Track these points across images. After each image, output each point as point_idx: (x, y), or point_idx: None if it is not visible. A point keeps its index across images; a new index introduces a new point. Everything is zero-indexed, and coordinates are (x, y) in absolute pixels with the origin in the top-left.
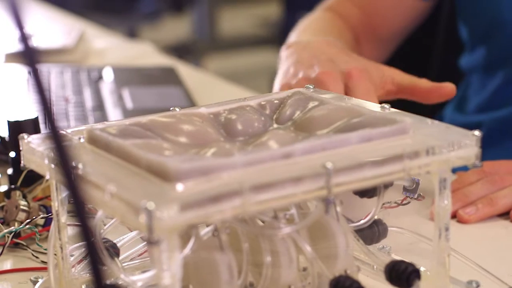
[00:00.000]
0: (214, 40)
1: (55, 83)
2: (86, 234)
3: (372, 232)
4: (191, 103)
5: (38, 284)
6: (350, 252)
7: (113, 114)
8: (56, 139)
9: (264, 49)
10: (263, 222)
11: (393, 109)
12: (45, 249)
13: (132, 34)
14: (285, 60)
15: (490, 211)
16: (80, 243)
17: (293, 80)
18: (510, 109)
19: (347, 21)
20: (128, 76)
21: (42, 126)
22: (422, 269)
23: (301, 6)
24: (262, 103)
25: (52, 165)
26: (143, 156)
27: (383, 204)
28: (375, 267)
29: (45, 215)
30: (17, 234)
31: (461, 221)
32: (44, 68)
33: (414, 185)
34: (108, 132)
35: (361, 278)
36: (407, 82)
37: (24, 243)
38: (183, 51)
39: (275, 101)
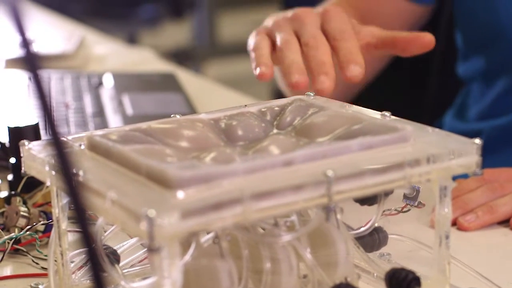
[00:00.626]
0: (214, 46)
1: (55, 89)
2: (87, 240)
3: (372, 240)
4: (191, 109)
5: None
6: (350, 260)
7: (113, 120)
8: (57, 145)
9: None
10: (263, 229)
11: (393, 117)
12: (45, 255)
13: (131, 39)
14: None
15: (490, 219)
16: (81, 250)
17: (270, 21)
18: (510, 118)
19: None
20: (128, 82)
21: (42, 132)
22: (422, 276)
23: None
24: (263, 109)
25: (53, 172)
26: (144, 163)
27: (383, 211)
28: (375, 274)
29: (46, 222)
30: (17, 240)
31: (461, 228)
32: (44, 74)
33: (415, 193)
34: (108, 139)
35: (362, 285)
36: (386, 34)
37: (24, 249)
38: (182, 57)
39: (276, 108)
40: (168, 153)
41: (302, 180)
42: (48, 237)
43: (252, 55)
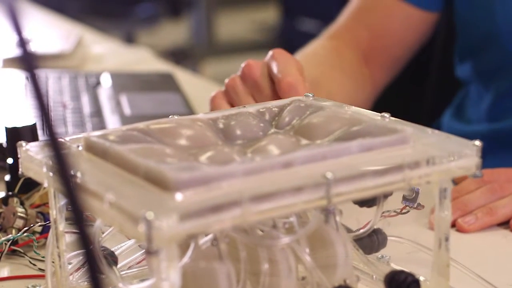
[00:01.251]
0: (212, 45)
1: (52, 89)
2: (85, 242)
3: (371, 241)
4: (189, 109)
5: None
6: (349, 262)
7: (111, 120)
8: (55, 147)
9: (262, 54)
10: (262, 231)
11: (393, 118)
12: (43, 257)
13: (129, 39)
14: None
15: (490, 221)
16: (78, 251)
17: (227, 81)
18: (508, 122)
19: (354, 46)
20: (126, 82)
21: (40, 133)
22: (421, 279)
23: (299, 11)
24: (261, 110)
25: (51, 173)
26: (142, 164)
27: (382, 213)
28: (374, 276)
29: (43, 223)
30: (14, 241)
31: (460, 230)
32: (41, 74)
33: (414, 195)
34: (105, 139)
35: (361, 287)
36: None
37: (22, 251)
38: (180, 56)
39: (274, 109)
40: (167, 153)
41: (302, 182)
42: (46, 238)
43: None
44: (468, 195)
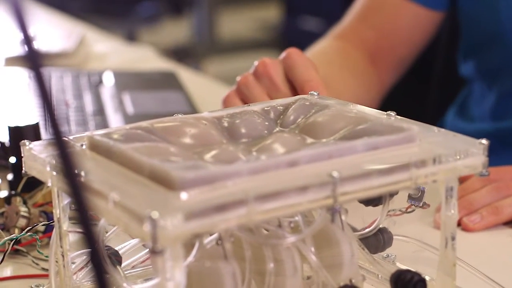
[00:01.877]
0: (214, 44)
1: (55, 88)
2: (90, 242)
3: (377, 241)
4: (192, 108)
5: None
6: (355, 261)
7: (114, 119)
8: (60, 145)
9: (264, 52)
10: (267, 230)
11: (398, 117)
12: (46, 256)
13: (131, 37)
14: None
15: (495, 220)
16: (82, 251)
17: (239, 79)
18: (510, 122)
19: (361, 47)
20: (129, 81)
21: (42, 131)
22: (427, 278)
23: (301, 9)
24: (266, 108)
25: (54, 172)
26: (147, 163)
27: (388, 212)
28: (380, 276)
29: (46, 222)
30: (17, 241)
31: (465, 229)
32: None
33: (420, 193)
34: (110, 138)
35: (366, 287)
36: None
37: (25, 250)
38: (182, 54)
39: (279, 107)
40: (172, 151)
41: (307, 181)
42: (49, 237)
43: None
44: (474, 193)
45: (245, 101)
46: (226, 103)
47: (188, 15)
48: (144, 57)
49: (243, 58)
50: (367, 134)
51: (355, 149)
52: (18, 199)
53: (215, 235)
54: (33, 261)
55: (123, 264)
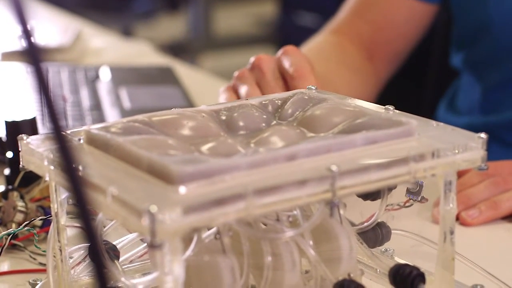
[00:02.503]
0: (210, 39)
1: (52, 82)
2: (89, 236)
3: (375, 235)
4: (189, 102)
5: (37, 287)
6: (353, 255)
7: (111, 114)
8: (59, 139)
9: (260, 48)
10: (265, 224)
11: (397, 111)
12: (43, 251)
13: (127, 32)
14: None
15: (494, 214)
16: (80, 245)
17: (236, 73)
18: (499, 116)
19: (356, 41)
20: (126, 76)
21: (39, 126)
22: (426, 272)
23: (297, 5)
24: (264, 102)
25: (52, 167)
26: (145, 157)
27: (386, 206)
28: (378, 270)
29: (43, 217)
30: (14, 236)
31: (464, 223)
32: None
33: (418, 188)
34: (107, 132)
35: (365, 281)
36: None
37: (22, 245)
38: (178, 49)
39: (277, 101)
40: (170, 144)
41: (306, 175)
42: (46, 232)
43: None
44: (472, 188)
45: (238, 92)
46: (222, 95)
47: (184, 10)
48: (140, 52)
49: (239, 53)
50: (365, 128)
51: (354, 143)
52: (15, 193)
53: (213, 229)
54: (31, 256)
55: (121, 259)
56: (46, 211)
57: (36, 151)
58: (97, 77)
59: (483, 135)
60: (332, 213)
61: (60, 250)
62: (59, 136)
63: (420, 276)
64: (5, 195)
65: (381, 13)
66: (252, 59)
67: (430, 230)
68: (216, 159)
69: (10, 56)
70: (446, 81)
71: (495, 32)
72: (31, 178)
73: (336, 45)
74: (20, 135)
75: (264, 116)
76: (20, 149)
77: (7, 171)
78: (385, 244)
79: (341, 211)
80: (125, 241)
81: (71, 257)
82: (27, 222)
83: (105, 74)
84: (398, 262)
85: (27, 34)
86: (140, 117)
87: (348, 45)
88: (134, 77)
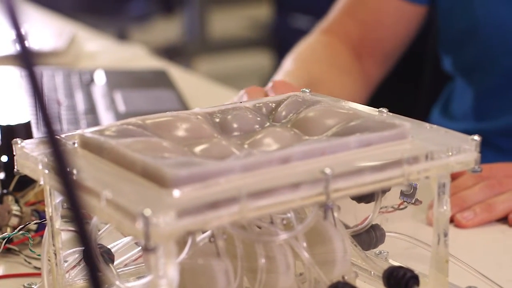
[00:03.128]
0: (205, 42)
1: (46, 86)
2: (83, 240)
3: (369, 237)
4: (184, 106)
5: None
6: (347, 258)
7: (106, 117)
8: (53, 144)
9: (255, 51)
10: (259, 227)
11: (390, 113)
12: (38, 255)
13: (122, 36)
14: None
15: (488, 217)
16: (75, 249)
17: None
18: (491, 122)
19: (346, 41)
20: (120, 79)
21: (34, 130)
22: (420, 275)
23: (292, 8)
24: (258, 105)
25: (46, 171)
26: (139, 160)
27: (380, 208)
28: (372, 272)
29: (38, 221)
30: (9, 240)
31: (458, 226)
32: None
33: (412, 190)
34: (101, 135)
35: (359, 284)
36: None
37: (17, 249)
38: (173, 53)
39: (271, 104)
40: (165, 146)
41: (300, 178)
42: (41, 236)
43: None
44: (466, 190)
45: None
46: None
47: (179, 14)
48: (135, 56)
49: (234, 56)
50: (359, 131)
51: (348, 146)
52: (10, 198)
53: (208, 233)
54: (25, 260)
55: (115, 262)
56: (41, 215)
57: (31, 155)
58: (91, 80)
59: (476, 137)
60: (326, 216)
61: (55, 254)
62: (52, 140)
63: (414, 278)
64: (0, 199)
65: (370, 12)
66: (241, 92)
67: (424, 232)
68: (210, 162)
69: (4, 60)
70: (440, 84)
71: (482, 36)
72: (26, 182)
73: (327, 46)
74: (15, 139)
75: (258, 118)
76: (14, 153)
77: (2, 175)
78: (379, 246)
79: (335, 214)
80: (120, 245)
81: (65, 261)
82: (22, 226)
83: (99, 78)
84: (392, 264)
85: (20, 38)
86: (133, 119)
87: (338, 45)
88: (129, 81)
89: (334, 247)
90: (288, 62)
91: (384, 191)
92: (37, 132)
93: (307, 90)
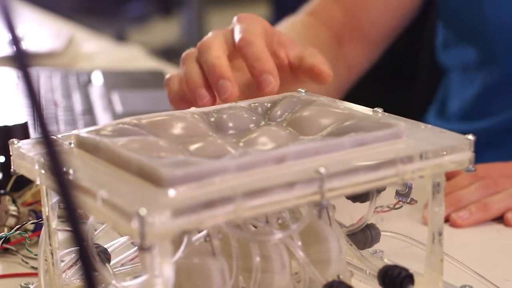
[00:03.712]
0: None
1: (44, 87)
2: (79, 240)
3: (364, 237)
4: None
5: None
6: (343, 257)
7: (103, 118)
8: (48, 144)
9: None
10: (255, 226)
11: (385, 113)
12: (35, 255)
13: (120, 37)
14: None
15: (483, 216)
16: (71, 249)
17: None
18: (492, 120)
19: (329, 25)
20: (118, 80)
21: (31, 131)
22: (415, 274)
23: (290, 8)
24: (253, 105)
25: (43, 171)
26: (134, 160)
27: (375, 208)
28: (368, 272)
29: (35, 221)
30: (6, 240)
31: (454, 225)
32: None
33: (407, 189)
34: (97, 135)
35: (354, 283)
36: (308, 60)
37: (14, 249)
38: (171, 54)
39: (266, 103)
40: (160, 145)
41: (295, 178)
42: (38, 236)
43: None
44: (462, 190)
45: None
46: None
47: (177, 15)
48: (133, 57)
49: None
50: (354, 130)
51: (343, 145)
52: (7, 198)
53: (203, 232)
54: (23, 260)
55: (112, 262)
56: (38, 215)
57: (27, 155)
58: (89, 81)
59: (470, 136)
60: (321, 215)
61: (52, 254)
62: (48, 141)
63: (409, 277)
64: None
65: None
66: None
67: (420, 232)
68: (205, 161)
69: (1, 61)
70: (436, 84)
71: (489, 33)
72: (23, 182)
73: (309, 27)
74: (11, 140)
75: (254, 118)
76: (11, 154)
77: None
78: (375, 245)
79: (330, 213)
80: (116, 244)
81: (62, 261)
82: (19, 226)
83: (97, 79)
84: (387, 263)
85: (15, 39)
86: (129, 119)
87: (320, 28)
88: (126, 82)
89: (329, 246)
90: None
91: (379, 190)
92: (34, 132)
93: (303, 91)
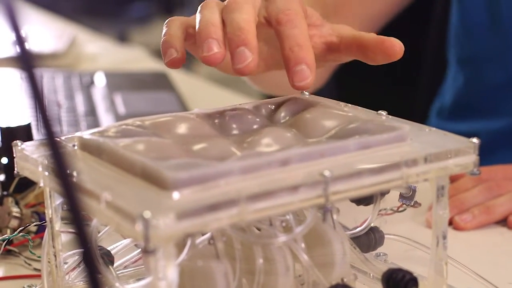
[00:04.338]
0: None
1: (46, 88)
2: (83, 242)
3: (368, 240)
4: (184, 108)
5: None
6: (347, 260)
7: (105, 119)
8: (52, 146)
9: None
10: (258, 229)
11: (389, 116)
12: (38, 257)
13: (122, 37)
14: None
15: (487, 219)
16: (75, 251)
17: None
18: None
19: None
20: (120, 81)
21: (34, 132)
22: (419, 277)
23: None
24: (257, 106)
25: (46, 173)
26: (138, 162)
27: (379, 211)
28: (372, 275)
29: (38, 222)
30: (9, 241)
31: (457, 228)
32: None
33: (411, 192)
34: (100, 137)
35: (358, 286)
36: (351, 35)
37: (17, 250)
38: None
39: (270, 105)
40: (165, 146)
41: (299, 181)
42: (41, 238)
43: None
44: (465, 193)
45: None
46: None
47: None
48: (135, 58)
49: None
50: (358, 133)
51: (347, 148)
52: (10, 199)
53: (207, 235)
54: (25, 262)
55: (115, 264)
56: (41, 217)
57: (31, 157)
58: (92, 82)
59: (475, 139)
60: (325, 218)
61: (55, 256)
62: (52, 142)
63: (413, 281)
64: (0, 201)
65: None
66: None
67: (424, 235)
68: (209, 163)
69: (4, 62)
70: (440, 86)
71: (504, 28)
72: (26, 184)
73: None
74: (15, 141)
75: (257, 119)
76: (14, 155)
77: (2, 177)
78: (378, 248)
79: (334, 216)
80: (120, 247)
81: (65, 263)
82: (22, 228)
83: (100, 80)
84: (391, 266)
85: (20, 40)
86: (132, 120)
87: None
88: (129, 83)
89: (333, 249)
90: None
91: (383, 193)
92: (38, 134)
93: (306, 93)
